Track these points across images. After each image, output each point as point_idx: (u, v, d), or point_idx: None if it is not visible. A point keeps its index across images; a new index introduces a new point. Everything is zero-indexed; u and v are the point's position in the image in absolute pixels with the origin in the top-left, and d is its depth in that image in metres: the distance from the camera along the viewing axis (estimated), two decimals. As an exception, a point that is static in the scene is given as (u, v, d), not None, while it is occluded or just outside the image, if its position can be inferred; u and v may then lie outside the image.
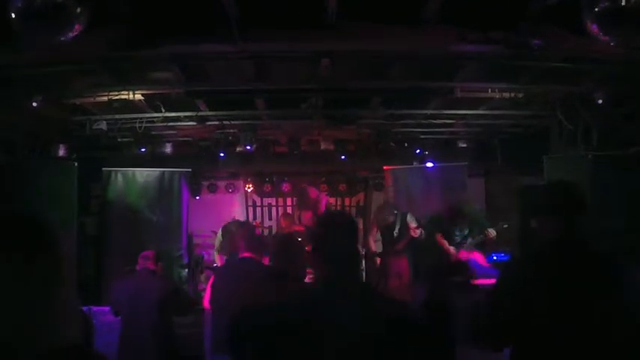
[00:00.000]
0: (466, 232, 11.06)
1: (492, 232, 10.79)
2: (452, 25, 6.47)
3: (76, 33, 4.45)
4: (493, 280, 6.96)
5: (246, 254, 6.80)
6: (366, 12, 6.33)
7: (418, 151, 13.28)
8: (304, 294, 3.35)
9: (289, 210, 16.77)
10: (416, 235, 11.07)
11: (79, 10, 4.29)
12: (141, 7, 5.93)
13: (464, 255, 10.60)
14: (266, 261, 7.02)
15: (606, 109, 8.97)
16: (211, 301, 6.81)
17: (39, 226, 2.09)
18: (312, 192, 11.71)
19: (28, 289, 1.93)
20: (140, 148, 11.70)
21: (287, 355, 3.01)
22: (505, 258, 11.69)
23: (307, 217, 11.84)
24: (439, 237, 11.34)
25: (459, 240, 11.05)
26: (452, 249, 11.04)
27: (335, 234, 3.33)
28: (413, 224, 11.30)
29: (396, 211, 11.77)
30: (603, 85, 8.54)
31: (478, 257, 9.48)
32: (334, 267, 3.19)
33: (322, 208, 11.48)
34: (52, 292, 2.01)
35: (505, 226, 11.27)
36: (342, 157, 13.93)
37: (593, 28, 4.61)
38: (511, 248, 11.87)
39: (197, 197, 15.58)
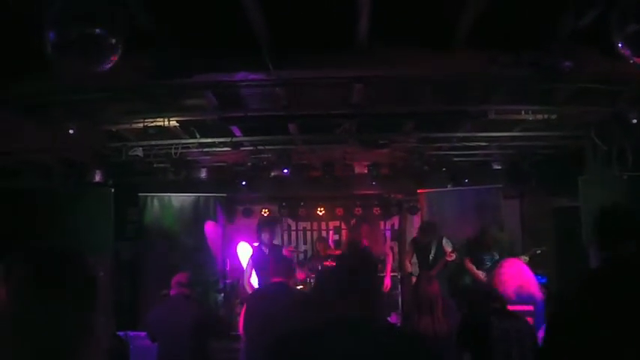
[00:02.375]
0: (497, 257, 10.93)
1: (525, 259, 10.57)
2: (482, 48, 6.48)
3: (111, 64, 4.53)
4: (529, 307, 6.89)
5: (277, 279, 6.83)
6: (397, 36, 6.36)
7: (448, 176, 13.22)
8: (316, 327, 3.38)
9: (323, 234, 16.82)
10: (451, 259, 11.02)
11: (114, 41, 4.36)
12: (175, 35, 6.01)
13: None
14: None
15: (640, 130, 8.91)
16: (244, 328, 6.84)
17: (70, 258, 2.13)
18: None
19: (59, 316, 1.97)
20: (176, 174, 11.78)
21: None
22: (542, 281, 11.57)
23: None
24: (467, 262, 11.26)
25: (489, 265, 10.92)
26: (481, 274, 10.94)
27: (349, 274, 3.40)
28: (448, 248, 11.25)
29: (431, 237, 11.74)
30: (637, 105, 8.49)
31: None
32: (345, 304, 3.26)
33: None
34: (83, 318, 2.05)
35: (538, 252, 11.15)
36: (375, 181, 13.95)
37: (623, 49, 4.61)
38: (547, 272, 11.78)
39: (232, 222, 15.65)
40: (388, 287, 11.93)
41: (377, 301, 3.54)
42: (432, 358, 3.30)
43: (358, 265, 3.48)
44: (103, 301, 2.22)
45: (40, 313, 1.95)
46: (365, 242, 11.67)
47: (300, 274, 12.59)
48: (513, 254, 10.61)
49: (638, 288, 3.42)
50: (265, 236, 10.95)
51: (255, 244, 11.44)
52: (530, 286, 7.26)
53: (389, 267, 12.17)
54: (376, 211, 16.75)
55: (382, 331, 3.37)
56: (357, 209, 16.26)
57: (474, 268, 11.13)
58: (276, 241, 13.60)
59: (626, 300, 3.37)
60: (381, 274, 11.99)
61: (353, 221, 14.26)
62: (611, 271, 3.61)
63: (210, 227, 13.19)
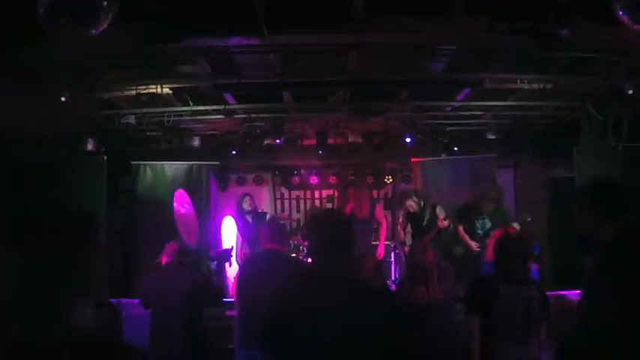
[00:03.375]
0: (488, 225, 10.95)
1: (516, 227, 10.56)
2: (479, 16, 6.43)
3: (103, 27, 4.47)
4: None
5: (271, 246, 6.81)
6: (392, 3, 6.30)
7: (409, 140, 13.11)
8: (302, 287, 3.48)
9: (317, 202, 16.82)
10: (443, 226, 11.02)
11: (106, 3, 4.30)
12: (168, 1, 5.94)
13: None
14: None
15: (637, 101, 8.87)
16: (237, 294, 6.82)
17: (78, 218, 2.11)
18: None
19: (59, 278, 1.95)
20: (168, 142, 11.72)
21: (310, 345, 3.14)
22: (536, 250, 11.58)
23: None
24: (460, 230, 11.27)
25: (481, 234, 10.94)
26: (473, 243, 10.96)
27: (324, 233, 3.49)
28: (442, 215, 11.24)
29: (422, 202, 11.73)
30: (633, 76, 8.45)
31: None
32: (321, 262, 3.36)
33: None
34: (82, 281, 2.03)
35: (529, 219, 11.15)
36: (369, 149, 13.91)
37: (624, 16, 4.56)
38: (540, 242, 11.79)
39: (225, 190, 15.60)
40: (381, 255, 11.92)
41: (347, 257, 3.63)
42: (393, 312, 3.39)
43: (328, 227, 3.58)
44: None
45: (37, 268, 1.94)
46: (351, 205, 11.69)
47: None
48: (505, 220, 10.63)
49: None
50: (246, 205, 10.93)
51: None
52: None
53: (383, 235, 12.15)
54: (370, 179, 16.74)
55: (351, 287, 3.49)
56: (349, 175, 16.23)
57: (466, 236, 11.14)
58: (265, 209, 13.60)
59: None
60: (375, 242, 11.99)
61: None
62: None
63: (180, 197, 13.03)
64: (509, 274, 5.62)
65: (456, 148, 13.59)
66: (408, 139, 12.59)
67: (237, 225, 11.30)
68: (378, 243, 11.87)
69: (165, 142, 11.72)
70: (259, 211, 11.35)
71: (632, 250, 3.49)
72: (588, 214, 3.78)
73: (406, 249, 11.82)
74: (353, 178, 15.56)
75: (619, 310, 3.31)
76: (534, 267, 7.19)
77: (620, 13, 4.56)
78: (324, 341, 3.16)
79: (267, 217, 11.12)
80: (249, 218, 10.89)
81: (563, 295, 8.37)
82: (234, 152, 13.03)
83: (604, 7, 4.91)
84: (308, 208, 16.73)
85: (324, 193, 17.20)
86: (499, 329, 5.50)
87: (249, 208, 10.98)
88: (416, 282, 6.72)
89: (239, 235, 10.90)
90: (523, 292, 5.57)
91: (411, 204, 11.74)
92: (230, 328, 8.39)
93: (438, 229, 11.11)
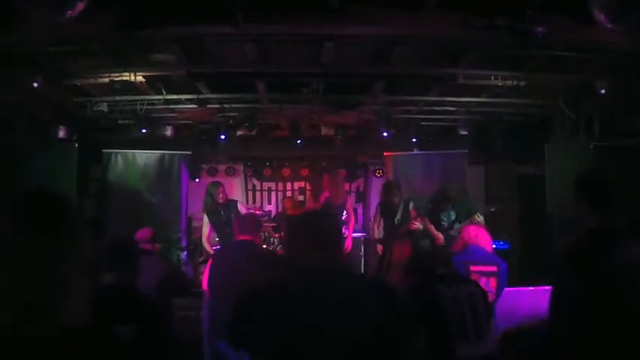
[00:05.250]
0: (453, 217, 10.98)
1: (479, 218, 10.57)
2: (455, 11, 6.45)
3: (77, 12, 4.42)
4: (492, 268, 6.91)
5: (243, 237, 6.80)
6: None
7: (414, 140, 13.18)
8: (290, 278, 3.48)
9: (289, 194, 16.84)
10: (415, 228, 11.01)
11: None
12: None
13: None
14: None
15: (608, 99, 8.95)
16: (209, 285, 6.80)
17: (62, 203, 2.09)
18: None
19: (44, 263, 1.93)
20: (140, 130, 11.65)
21: (284, 337, 3.12)
22: (505, 246, 11.65)
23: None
24: (427, 221, 11.30)
25: (446, 226, 10.97)
26: (439, 235, 10.98)
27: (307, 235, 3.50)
28: (414, 212, 11.23)
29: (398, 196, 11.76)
30: (606, 74, 8.52)
31: (484, 241, 9.00)
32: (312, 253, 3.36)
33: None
34: (67, 268, 2.01)
35: (492, 209, 11.23)
36: (342, 142, 13.93)
37: (600, 15, 4.59)
38: (509, 238, 11.87)
39: (197, 180, 15.55)
40: (349, 248, 11.95)
41: (337, 248, 3.63)
42: (391, 298, 3.38)
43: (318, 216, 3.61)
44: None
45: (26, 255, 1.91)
46: (326, 193, 11.72)
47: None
48: (470, 211, 10.64)
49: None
50: (216, 192, 10.89)
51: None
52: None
53: (351, 228, 12.17)
54: (342, 173, 16.78)
55: (344, 275, 3.51)
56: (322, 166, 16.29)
57: (433, 228, 11.16)
58: (238, 198, 13.55)
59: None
60: (344, 235, 12.02)
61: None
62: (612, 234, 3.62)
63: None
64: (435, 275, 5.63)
65: (430, 143, 13.65)
66: (384, 134, 12.61)
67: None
68: (346, 236, 11.88)
69: (138, 130, 11.63)
70: (230, 199, 11.28)
71: (598, 245, 3.55)
72: (575, 204, 3.82)
73: (379, 247, 11.84)
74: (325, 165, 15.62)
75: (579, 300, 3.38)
76: (504, 264, 7.17)
77: (596, 11, 4.58)
78: (308, 332, 3.16)
79: (239, 206, 11.05)
80: (219, 207, 10.82)
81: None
82: (218, 137, 12.87)
83: (579, 5, 4.94)
84: (280, 199, 16.75)
85: (296, 185, 17.24)
86: (451, 329, 5.47)
87: (219, 196, 10.92)
88: (391, 271, 6.73)
89: (207, 221, 10.82)
90: (464, 289, 5.56)
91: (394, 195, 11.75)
92: (199, 318, 8.37)
93: (409, 227, 11.11)
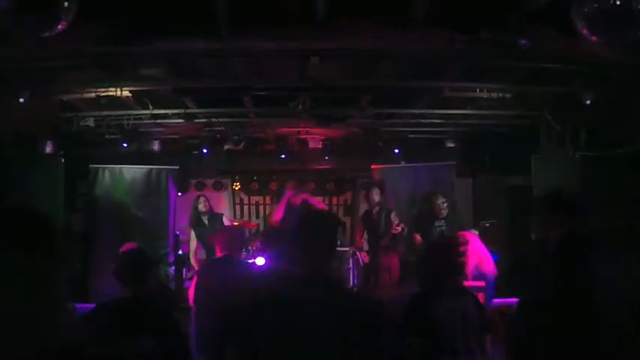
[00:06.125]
0: (443, 226, 11.02)
1: (475, 233, 10.58)
2: (441, 25, 6.48)
3: (63, 27, 4.42)
4: (481, 283, 6.91)
5: (228, 252, 6.83)
6: (355, 11, 6.33)
7: (397, 150, 13.19)
8: (275, 290, 3.46)
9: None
10: (397, 232, 11.05)
11: (66, 3, 4.26)
12: (129, 3, 5.91)
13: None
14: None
15: (594, 110, 8.99)
16: (195, 300, 6.82)
17: (42, 221, 2.08)
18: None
19: (27, 282, 1.92)
20: (128, 145, 11.63)
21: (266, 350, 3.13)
22: (494, 257, 11.67)
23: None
24: (417, 237, 11.34)
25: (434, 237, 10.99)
26: None
27: (307, 233, 3.47)
28: (396, 221, 11.26)
29: (381, 201, 11.79)
30: (591, 86, 8.56)
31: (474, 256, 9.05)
32: (304, 264, 3.35)
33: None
34: (50, 285, 2.00)
35: (487, 225, 11.23)
36: (328, 156, 13.97)
37: (583, 28, 4.61)
38: (498, 248, 11.88)
39: (184, 195, 15.51)
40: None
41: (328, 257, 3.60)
42: (376, 315, 3.39)
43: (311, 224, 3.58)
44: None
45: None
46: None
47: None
48: (461, 225, 10.66)
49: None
50: (202, 206, 10.90)
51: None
52: (487, 263, 7.31)
53: None
54: (329, 187, 16.86)
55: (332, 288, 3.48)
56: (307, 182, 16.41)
57: (420, 240, 11.21)
58: (224, 212, 13.53)
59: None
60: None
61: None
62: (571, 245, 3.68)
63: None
64: (439, 287, 5.51)
65: (415, 156, 13.70)
66: (396, 150, 12.79)
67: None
68: None
69: (124, 145, 11.62)
70: (215, 212, 11.28)
71: (570, 252, 3.61)
72: (542, 221, 3.90)
73: (364, 256, 11.87)
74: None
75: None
76: (493, 274, 7.19)
77: (578, 24, 4.61)
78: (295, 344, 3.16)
79: (224, 219, 11.05)
80: (205, 220, 10.82)
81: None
82: (204, 151, 12.86)
83: (563, 18, 4.96)
84: (267, 213, 16.74)
85: (284, 198, 17.21)
86: (439, 345, 5.39)
87: (204, 210, 10.93)
88: (378, 279, 6.70)
89: (194, 235, 10.85)
90: (458, 305, 5.44)
91: (377, 193, 11.76)
92: (186, 334, 8.34)
93: (392, 235, 11.14)
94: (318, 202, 12.85)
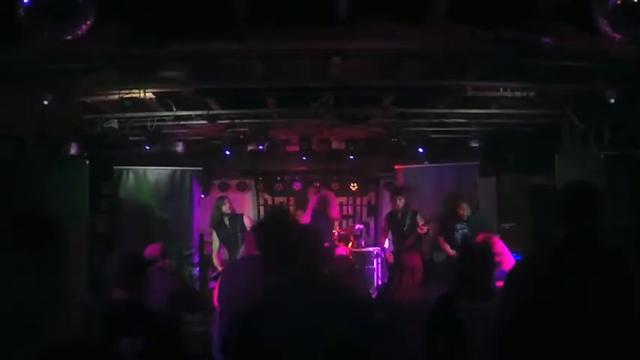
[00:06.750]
0: (465, 230, 11.02)
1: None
2: (462, 24, 6.45)
3: (85, 29, 4.45)
4: (500, 284, 6.86)
5: (253, 252, 6.81)
6: (376, 9, 6.32)
7: (421, 150, 13.15)
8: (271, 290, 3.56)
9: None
10: (423, 232, 11.07)
11: (87, 6, 4.29)
12: (151, 4, 5.93)
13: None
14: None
15: (618, 108, 8.91)
16: (219, 301, 6.81)
17: (44, 221, 2.10)
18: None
19: (32, 277, 1.94)
20: (151, 147, 11.68)
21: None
22: (517, 258, 11.60)
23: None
24: (441, 241, 11.37)
25: (459, 241, 10.97)
26: (452, 251, 10.98)
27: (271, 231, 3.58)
28: (421, 222, 11.27)
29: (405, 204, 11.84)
30: (615, 83, 8.49)
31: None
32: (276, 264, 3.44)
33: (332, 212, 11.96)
34: (54, 280, 2.02)
35: (507, 227, 11.20)
36: (352, 156, 13.96)
37: (604, 25, 4.58)
38: (521, 249, 11.81)
39: (208, 196, 15.55)
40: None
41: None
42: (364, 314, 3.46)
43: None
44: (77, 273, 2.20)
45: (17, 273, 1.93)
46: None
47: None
48: (483, 227, 10.61)
49: (588, 267, 3.53)
50: (225, 208, 10.93)
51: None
52: (508, 263, 7.27)
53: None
54: (353, 186, 16.89)
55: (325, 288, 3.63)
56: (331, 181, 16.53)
57: (447, 246, 11.21)
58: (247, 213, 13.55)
59: (577, 279, 3.49)
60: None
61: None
62: (567, 249, 3.70)
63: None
64: (471, 287, 5.48)
65: (441, 156, 13.70)
66: (420, 149, 12.80)
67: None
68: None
69: (148, 146, 11.67)
70: (236, 213, 11.31)
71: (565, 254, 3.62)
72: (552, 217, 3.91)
73: (389, 255, 11.91)
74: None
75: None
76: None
77: (601, 21, 4.57)
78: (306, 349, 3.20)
79: (245, 219, 11.06)
80: (226, 221, 10.86)
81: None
82: (227, 152, 12.92)
83: (586, 15, 4.92)
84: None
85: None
86: (460, 345, 5.35)
87: (228, 211, 10.96)
88: (403, 274, 6.68)
89: (216, 236, 10.89)
90: (483, 307, 5.40)
91: (400, 199, 11.78)
92: (210, 333, 8.37)
93: (417, 235, 11.16)
94: (334, 201, 13.03)
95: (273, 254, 3.51)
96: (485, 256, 5.73)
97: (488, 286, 5.53)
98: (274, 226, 3.72)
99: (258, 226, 3.89)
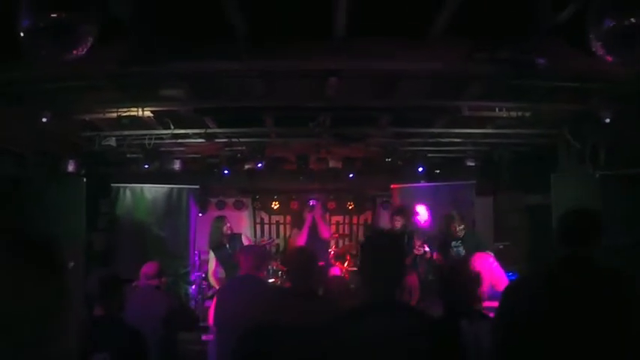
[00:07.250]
0: (462, 252, 11.01)
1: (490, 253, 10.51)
2: (460, 45, 6.50)
3: (84, 50, 4.48)
4: (495, 303, 6.85)
5: (248, 271, 6.83)
6: (374, 27, 6.36)
7: (421, 169, 13.15)
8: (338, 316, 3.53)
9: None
10: (419, 253, 11.06)
11: (87, 27, 4.32)
12: (149, 24, 5.97)
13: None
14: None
15: (614, 128, 8.96)
16: (215, 320, 6.82)
17: (42, 243, 2.11)
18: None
19: (31, 301, 1.95)
20: (148, 165, 11.70)
21: None
22: (513, 277, 11.60)
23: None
24: (434, 254, 11.35)
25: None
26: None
27: (374, 257, 3.54)
28: (418, 242, 11.26)
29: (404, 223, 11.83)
30: (611, 103, 8.53)
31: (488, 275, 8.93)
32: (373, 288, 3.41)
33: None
34: (55, 304, 2.03)
35: (501, 247, 11.21)
36: (350, 175, 13.98)
37: (598, 47, 4.61)
38: (516, 268, 11.82)
39: (205, 214, 15.55)
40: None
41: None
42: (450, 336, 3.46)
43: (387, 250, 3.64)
44: (74, 292, 2.20)
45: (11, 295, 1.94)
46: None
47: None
48: (478, 246, 10.60)
49: (586, 287, 3.56)
50: (225, 228, 10.91)
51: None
52: (501, 283, 7.26)
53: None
54: (350, 205, 16.91)
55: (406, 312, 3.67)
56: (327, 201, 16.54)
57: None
58: (244, 232, 13.55)
59: (574, 299, 3.52)
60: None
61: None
62: (564, 270, 3.74)
63: None
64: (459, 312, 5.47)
65: (437, 175, 13.71)
66: (420, 168, 12.82)
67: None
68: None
69: (145, 164, 11.68)
70: (234, 233, 11.29)
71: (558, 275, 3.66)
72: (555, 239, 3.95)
73: None
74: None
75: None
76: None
77: (595, 43, 4.61)
78: None
79: (243, 238, 11.05)
80: (225, 242, 10.84)
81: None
82: (225, 171, 12.95)
83: (582, 36, 4.97)
84: (288, 233, 16.76)
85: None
86: None
87: (228, 233, 10.93)
88: (400, 295, 6.62)
89: (213, 255, 10.87)
90: (484, 326, 5.39)
91: (398, 220, 11.76)
92: (205, 352, 8.37)
93: (414, 255, 11.15)
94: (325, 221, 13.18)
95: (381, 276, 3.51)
96: (469, 283, 5.72)
97: (474, 307, 5.53)
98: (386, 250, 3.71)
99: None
